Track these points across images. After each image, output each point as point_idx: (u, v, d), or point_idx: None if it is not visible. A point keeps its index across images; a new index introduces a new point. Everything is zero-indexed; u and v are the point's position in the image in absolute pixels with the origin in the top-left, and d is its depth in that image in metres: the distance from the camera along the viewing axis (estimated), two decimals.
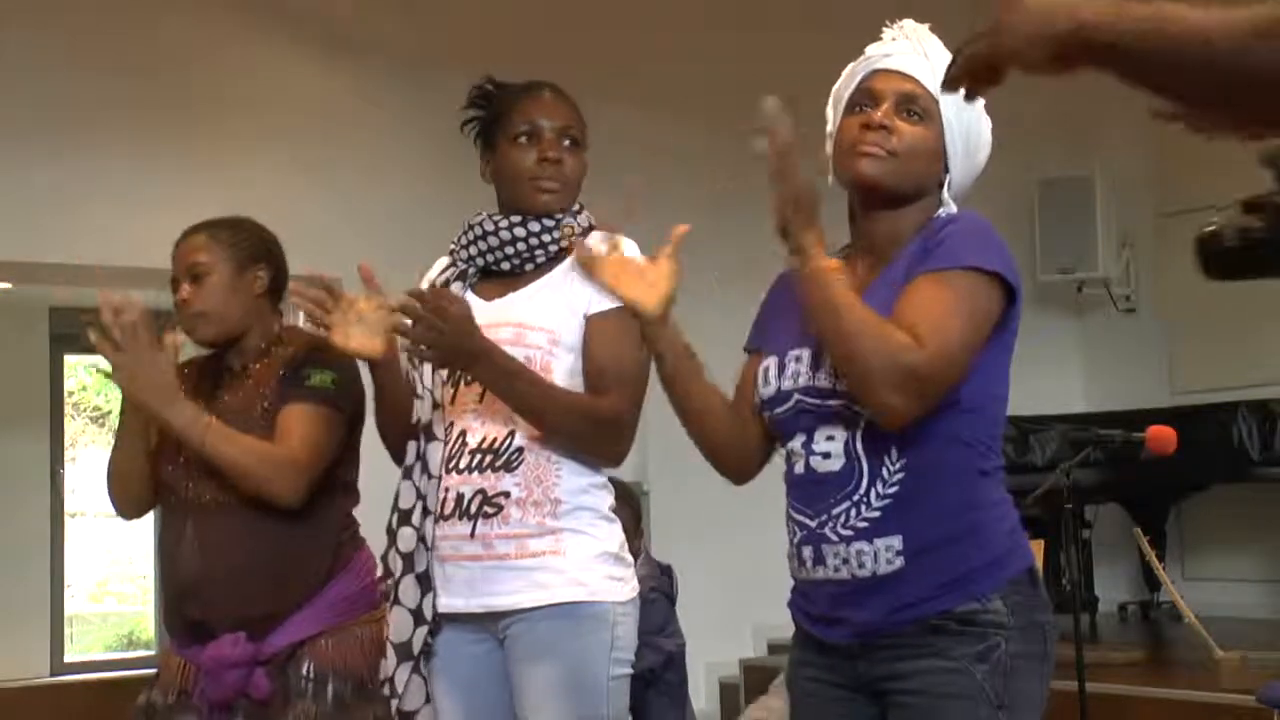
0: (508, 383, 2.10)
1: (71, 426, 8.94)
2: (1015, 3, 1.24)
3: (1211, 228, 1.32)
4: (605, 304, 2.15)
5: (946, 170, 1.92)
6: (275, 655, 2.36)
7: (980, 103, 1.87)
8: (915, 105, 1.88)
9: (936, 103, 1.88)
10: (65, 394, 8.54)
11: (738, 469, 2.03)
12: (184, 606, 2.40)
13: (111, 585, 9.89)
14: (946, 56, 1.80)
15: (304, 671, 2.37)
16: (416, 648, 2.12)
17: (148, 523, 2.55)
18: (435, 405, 2.22)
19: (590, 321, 2.17)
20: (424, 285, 2.31)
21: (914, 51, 1.90)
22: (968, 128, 1.92)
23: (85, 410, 9.45)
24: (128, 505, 2.57)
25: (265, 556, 2.36)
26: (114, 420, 8.36)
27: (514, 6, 5.66)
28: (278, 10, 5.44)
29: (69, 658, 8.32)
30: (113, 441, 2.58)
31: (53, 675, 8.01)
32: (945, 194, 1.93)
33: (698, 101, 5.54)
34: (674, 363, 1.93)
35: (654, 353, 1.94)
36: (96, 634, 9.62)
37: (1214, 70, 1.11)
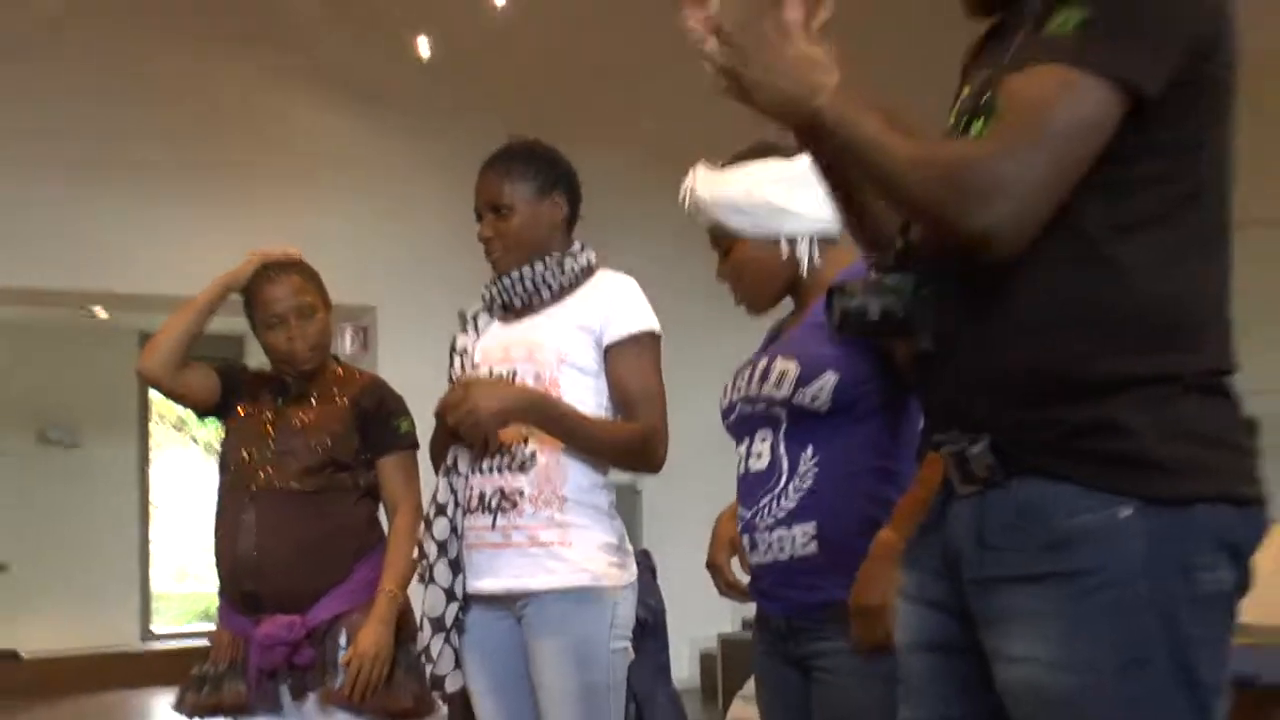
0: (560, 425, 2.28)
1: (155, 434, 9.54)
2: (767, 74, 1.29)
3: (856, 301, 1.40)
4: (619, 332, 2.32)
5: (793, 236, 2.00)
6: (316, 629, 2.58)
7: (742, 180, 1.98)
8: (723, 243, 2.05)
9: (728, 225, 2.01)
10: (150, 407, 9.16)
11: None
12: (240, 580, 2.60)
13: (190, 568, 10.63)
14: (725, 180, 2.00)
15: (341, 642, 2.58)
16: (449, 621, 2.32)
17: None
18: None
19: (610, 351, 2.32)
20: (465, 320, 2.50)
21: (701, 204, 2.02)
22: (754, 207, 1.98)
23: (167, 420, 10.19)
24: (165, 362, 2.64)
25: (312, 541, 2.59)
26: (190, 429, 8.72)
27: (523, 63, 5.84)
28: (312, 67, 5.71)
29: (155, 629, 9.08)
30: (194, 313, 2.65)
31: (142, 642, 8.73)
32: (810, 245, 2.00)
33: (697, 151, 5.75)
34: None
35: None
36: (178, 609, 10.40)
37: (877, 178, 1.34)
